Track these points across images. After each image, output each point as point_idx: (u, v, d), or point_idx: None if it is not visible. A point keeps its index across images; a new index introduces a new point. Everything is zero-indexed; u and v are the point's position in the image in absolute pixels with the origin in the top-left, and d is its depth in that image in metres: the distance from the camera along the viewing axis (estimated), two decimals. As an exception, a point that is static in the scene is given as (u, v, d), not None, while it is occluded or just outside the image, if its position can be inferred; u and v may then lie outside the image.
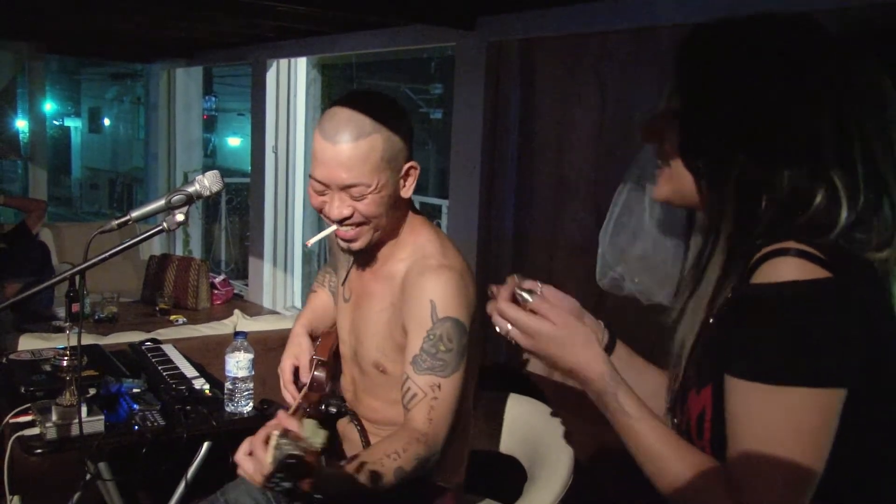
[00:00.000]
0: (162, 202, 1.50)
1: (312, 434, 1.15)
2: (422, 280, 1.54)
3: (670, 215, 1.28)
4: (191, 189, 1.52)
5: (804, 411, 0.89)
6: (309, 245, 1.58)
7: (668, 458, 0.99)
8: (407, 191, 1.58)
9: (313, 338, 1.83)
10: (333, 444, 1.77)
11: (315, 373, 1.72)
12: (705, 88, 1.00)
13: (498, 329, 1.09)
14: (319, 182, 1.51)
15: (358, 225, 1.53)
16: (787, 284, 0.89)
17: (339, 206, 1.51)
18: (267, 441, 1.25)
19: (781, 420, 0.90)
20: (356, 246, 1.57)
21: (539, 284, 1.11)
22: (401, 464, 1.40)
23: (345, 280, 1.76)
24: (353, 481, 1.33)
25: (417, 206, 1.71)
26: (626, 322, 1.36)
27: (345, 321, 1.75)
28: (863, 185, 0.94)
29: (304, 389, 1.70)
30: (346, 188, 1.49)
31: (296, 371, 1.75)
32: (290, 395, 1.73)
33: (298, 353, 1.77)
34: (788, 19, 0.99)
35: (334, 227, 1.54)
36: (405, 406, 1.52)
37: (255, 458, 1.28)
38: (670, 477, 0.99)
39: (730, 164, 0.97)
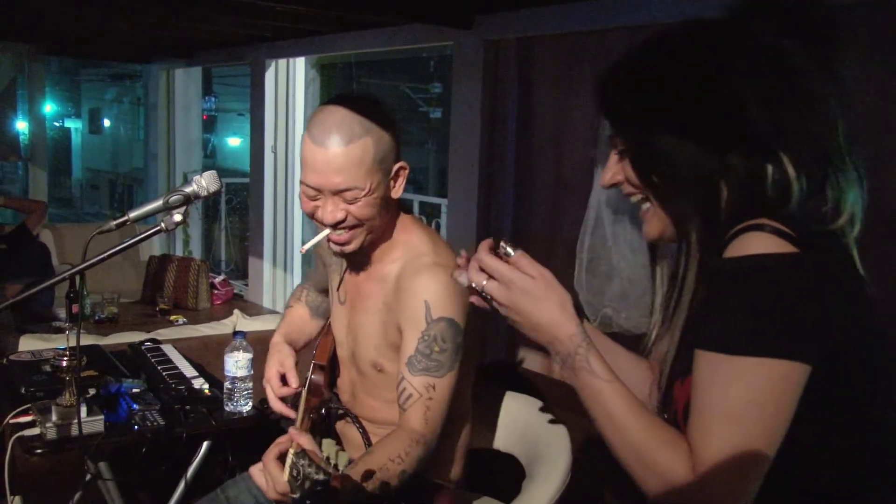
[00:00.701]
0: (159, 202, 1.51)
1: (334, 456, 1.16)
2: (416, 280, 1.54)
3: (637, 248, 1.29)
4: (188, 189, 1.52)
5: (763, 382, 0.89)
6: (303, 251, 1.58)
7: (631, 423, 0.99)
8: (397, 191, 1.58)
9: (297, 349, 1.83)
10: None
11: (312, 377, 1.71)
12: (633, 114, 1.04)
13: (473, 284, 1.09)
14: (312, 188, 1.51)
15: (351, 228, 1.53)
16: (756, 257, 0.90)
17: (332, 211, 1.51)
18: (282, 458, 1.25)
19: (740, 391, 0.90)
20: (349, 249, 1.57)
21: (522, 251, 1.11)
22: (404, 467, 1.43)
23: (339, 284, 1.76)
24: (363, 491, 1.34)
25: (417, 204, 1.72)
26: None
27: (341, 323, 1.75)
28: (803, 154, 0.96)
29: (304, 394, 1.70)
30: (339, 192, 1.49)
31: (283, 379, 1.76)
32: (281, 403, 1.73)
33: (282, 359, 1.78)
34: (684, 26, 1.04)
35: (327, 231, 1.54)
36: (401, 406, 1.53)
37: (266, 474, 1.28)
38: (632, 442, 0.98)
39: (679, 164, 0.99)
